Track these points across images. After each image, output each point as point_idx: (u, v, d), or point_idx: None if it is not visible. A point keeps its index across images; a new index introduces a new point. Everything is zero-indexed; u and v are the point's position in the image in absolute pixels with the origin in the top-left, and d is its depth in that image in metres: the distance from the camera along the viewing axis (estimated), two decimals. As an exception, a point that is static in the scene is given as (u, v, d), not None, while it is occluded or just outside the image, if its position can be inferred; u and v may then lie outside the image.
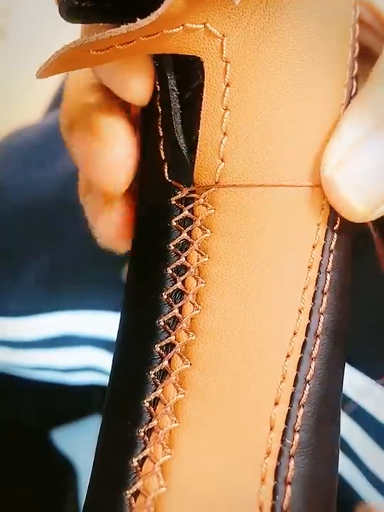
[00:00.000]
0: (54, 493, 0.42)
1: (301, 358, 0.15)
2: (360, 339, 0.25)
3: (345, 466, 0.28)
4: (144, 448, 0.15)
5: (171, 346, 0.16)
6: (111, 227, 0.20)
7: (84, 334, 0.34)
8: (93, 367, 0.36)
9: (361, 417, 0.27)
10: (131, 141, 0.18)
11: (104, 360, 0.34)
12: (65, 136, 0.21)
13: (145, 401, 0.15)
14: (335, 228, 0.17)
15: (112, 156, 0.18)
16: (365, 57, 0.18)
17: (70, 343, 0.35)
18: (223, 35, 0.16)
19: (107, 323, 0.34)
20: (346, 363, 0.26)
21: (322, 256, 0.16)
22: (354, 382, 0.26)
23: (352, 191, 0.16)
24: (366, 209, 0.16)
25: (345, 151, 0.16)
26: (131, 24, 0.14)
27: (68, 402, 0.40)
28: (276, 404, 0.15)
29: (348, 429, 0.27)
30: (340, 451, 0.27)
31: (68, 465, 0.43)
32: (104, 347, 0.34)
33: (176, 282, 0.16)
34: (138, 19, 0.14)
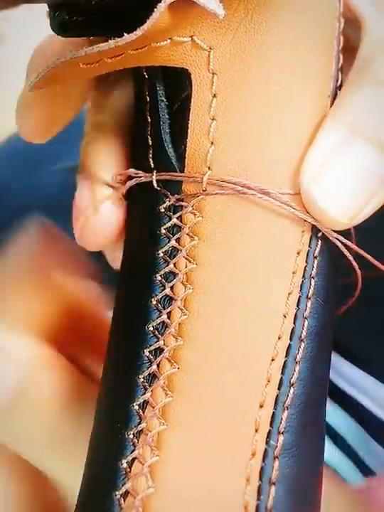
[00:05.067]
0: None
1: (285, 362, 0.16)
2: (352, 331, 0.25)
3: (341, 462, 0.28)
4: (133, 450, 0.15)
5: (159, 351, 0.16)
6: (97, 234, 0.20)
7: None
8: None
9: (356, 410, 0.27)
10: (120, 208, 0.19)
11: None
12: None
13: (134, 404, 0.16)
14: (319, 235, 0.17)
15: (97, 220, 0.19)
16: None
17: None
18: (210, 48, 0.16)
19: None
20: (340, 356, 0.26)
21: (306, 262, 0.17)
22: (347, 374, 0.26)
23: (329, 201, 0.16)
24: (345, 218, 0.16)
25: (320, 161, 0.16)
26: (119, 39, 0.15)
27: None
28: (261, 406, 0.15)
29: (343, 423, 0.27)
30: (336, 447, 0.28)
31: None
32: None
33: (164, 288, 0.17)
34: (125, 34, 0.14)
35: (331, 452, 0.28)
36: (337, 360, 0.26)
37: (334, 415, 0.27)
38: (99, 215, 0.19)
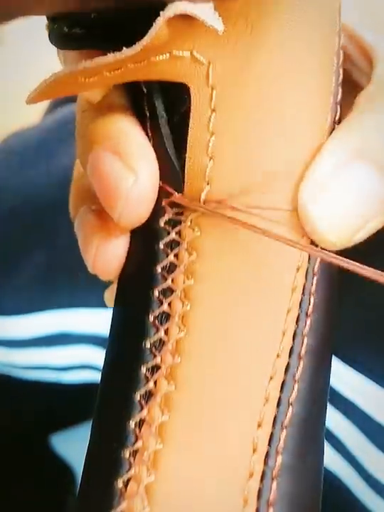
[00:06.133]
0: (53, 498, 0.42)
1: (284, 381, 0.16)
2: (353, 337, 0.25)
3: (341, 467, 0.28)
4: (129, 469, 0.15)
5: (156, 368, 0.16)
6: (113, 261, 0.18)
7: (79, 332, 0.35)
8: (89, 365, 0.36)
9: (356, 415, 0.27)
10: (157, 169, 0.17)
11: (100, 357, 0.35)
12: (81, 157, 0.19)
13: (131, 422, 0.16)
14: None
15: (140, 186, 0.17)
16: (350, 88, 0.18)
17: (65, 341, 0.35)
18: (209, 62, 0.16)
19: (102, 320, 0.34)
20: (340, 361, 0.26)
21: (306, 279, 0.16)
22: (347, 380, 0.26)
23: (325, 222, 0.16)
24: (340, 239, 0.16)
25: (321, 180, 0.16)
26: (118, 53, 0.14)
27: (67, 405, 0.40)
28: (259, 426, 0.15)
29: (343, 428, 0.27)
30: (336, 452, 0.28)
31: (67, 470, 0.43)
32: (100, 344, 0.35)
33: (162, 305, 0.17)
34: (124, 48, 0.14)
35: (330, 457, 0.28)
36: (337, 365, 0.26)
37: (334, 420, 0.27)
38: (143, 181, 0.16)
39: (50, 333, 0.35)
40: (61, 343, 0.35)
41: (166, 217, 0.17)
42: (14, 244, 0.35)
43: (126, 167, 0.17)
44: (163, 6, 0.13)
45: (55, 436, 0.44)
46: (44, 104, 0.49)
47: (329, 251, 0.16)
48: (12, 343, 0.35)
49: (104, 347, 0.35)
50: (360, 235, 0.16)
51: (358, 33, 0.19)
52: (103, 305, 0.34)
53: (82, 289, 0.34)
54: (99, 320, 0.34)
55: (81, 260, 0.34)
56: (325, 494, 0.16)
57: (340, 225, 0.16)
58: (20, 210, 0.35)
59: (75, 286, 0.34)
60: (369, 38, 0.19)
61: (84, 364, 0.36)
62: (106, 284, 0.32)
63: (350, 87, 0.18)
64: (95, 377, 0.36)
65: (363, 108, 0.17)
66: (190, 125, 0.17)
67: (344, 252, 0.17)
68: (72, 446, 0.44)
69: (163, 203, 0.17)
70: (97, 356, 0.35)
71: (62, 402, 0.40)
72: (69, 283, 0.34)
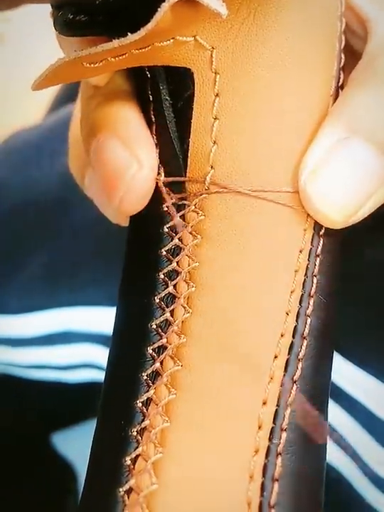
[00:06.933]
0: (54, 497, 0.42)
1: (288, 359, 0.16)
2: (352, 331, 0.26)
3: (343, 463, 0.28)
4: (137, 447, 0.15)
5: (162, 348, 0.16)
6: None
7: (81, 330, 0.35)
8: (91, 363, 0.36)
9: (357, 411, 0.27)
10: (157, 157, 0.18)
11: (103, 356, 0.35)
12: (85, 142, 0.19)
13: (138, 401, 0.16)
14: (321, 233, 0.17)
15: (143, 173, 0.17)
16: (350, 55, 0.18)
17: (67, 339, 0.35)
18: (213, 47, 0.16)
19: (105, 319, 0.34)
20: (339, 355, 0.26)
21: (308, 260, 0.17)
22: (347, 375, 0.27)
23: (324, 200, 0.16)
24: (341, 216, 0.16)
25: (316, 161, 0.16)
26: (123, 38, 0.15)
27: (69, 405, 0.41)
28: (264, 403, 0.15)
29: (345, 424, 0.27)
30: (338, 448, 0.28)
31: (69, 468, 0.43)
32: (102, 342, 0.35)
33: (167, 287, 0.17)
34: (129, 33, 0.15)
35: (332, 453, 0.28)
36: (338, 361, 0.27)
37: (336, 416, 0.27)
38: (146, 169, 0.17)
39: (53, 331, 0.35)
40: (63, 341, 0.35)
41: (170, 201, 0.18)
42: (16, 243, 0.35)
43: (130, 155, 0.17)
44: None
45: (56, 435, 0.44)
46: (45, 103, 0.50)
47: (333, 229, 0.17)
48: (15, 341, 0.35)
49: (106, 345, 0.35)
50: (363, 212, 0.16)
51: (355, 3, 0.19)
52: (105, 303, 0.34)
53: (84, 287, 0.34)
54: (101, 318, 0.34)
55: (83, 258, 0.34)
56: (327, 489, 0.16)
57: (341, 203, 0.16)
58: (22, 208, 0.35)
59: (77, 284, 0.34)
60: (365, 9, 0.19)
61: (86, 363, 0.36)
62: (108, 282, 0.32)
63: (350, 54, 0.18)
64: (97, 376, 0.36)
65: (355, 86, 0.17)
66: (193, 110, 0.17)
67: (349, 229, 0.17)
68: (74, 445, 0.44)
69: (166, 189, 0.18)
70: (99, 355, 0.35)
71: (64, 402, 0.40)
72: (71, 281, 0.34)
